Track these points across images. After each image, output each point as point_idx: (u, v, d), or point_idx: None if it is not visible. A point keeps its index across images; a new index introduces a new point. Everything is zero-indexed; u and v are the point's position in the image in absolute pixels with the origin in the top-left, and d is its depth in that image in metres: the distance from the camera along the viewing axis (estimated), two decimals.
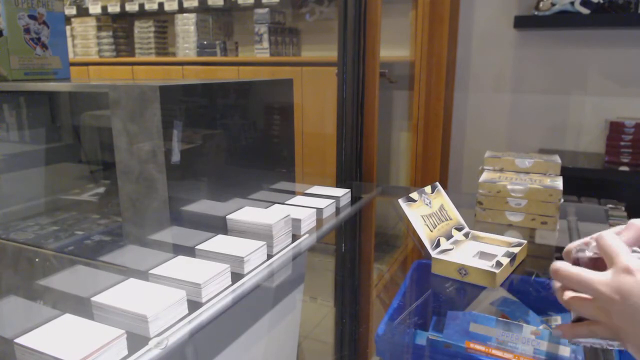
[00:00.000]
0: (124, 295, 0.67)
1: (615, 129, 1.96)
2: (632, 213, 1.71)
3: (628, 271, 0.46)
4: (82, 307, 0.65)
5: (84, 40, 3.30)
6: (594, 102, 2.16)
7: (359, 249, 1.25)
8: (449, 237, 0.97)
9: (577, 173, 1.84)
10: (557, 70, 2.19)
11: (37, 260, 0.90)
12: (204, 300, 0.71)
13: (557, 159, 1.22)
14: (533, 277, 0.92)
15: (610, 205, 1.76)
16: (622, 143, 1.95)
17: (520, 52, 2.25)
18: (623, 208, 1.75)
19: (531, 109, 2.27)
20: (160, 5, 3.02)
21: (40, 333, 0.58)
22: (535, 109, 2.26)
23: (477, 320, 0.74)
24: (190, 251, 0.83)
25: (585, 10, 1.93)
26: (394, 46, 2.46)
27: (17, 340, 0.56)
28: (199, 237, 0.87)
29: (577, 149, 2.21)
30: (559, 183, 1.11)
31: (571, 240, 1.05)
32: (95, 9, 3.22)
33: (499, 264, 0.86)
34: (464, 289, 0.86)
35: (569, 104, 2.20)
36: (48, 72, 1.19)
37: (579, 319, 0.52)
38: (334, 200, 1.17)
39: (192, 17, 2.97)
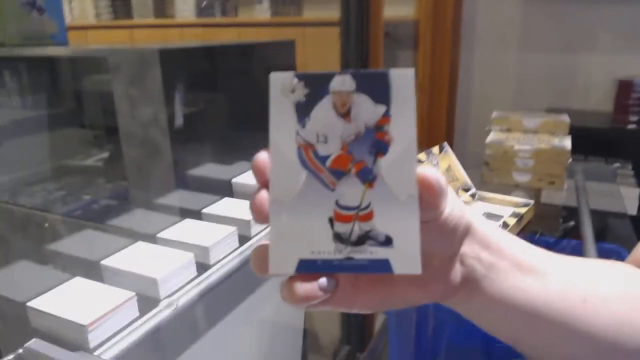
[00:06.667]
0: (133, 258, 0.67)
1: (624, 87, 1.93)
2: None
3: None
4: (92, 270, 0.66)
5: (80, 2, 3.22)
6: (603, 60, 2.11)
7: None
8: None
9: (584, 132, 1.82)
10: (566, 27, 2.13)
11: (45, 224, 0.91)
12: (212, 262, 0.71)
13: (566, 118, 1.20)
14: (537, 235, 0.93)
15: (618, 164, 1.75)
16: (631, 101, 1.92)
17: (528, 8, 2.19)
18: (630, 167, 1.74)
19: (539, 68, 2.23)
20: None
21: (52, 296, 0.59)
22: (543, 67, 2.22)
23: None
24: (196, 214, 0.83)
25: None
26: (397, 4, 2.39)
27: (29, 304, 0.57)
28: (205, 200, 0.87)
29: (586, 108, 2.17)
30: (567, 143, 1.10)
31: (578, 199, 1.05)
32: None
33: (505, 224, 0.86)
34: None
35: (577, 61, 2.16)
36: (45, 36, 1.17)
37: None
38: None
39: None
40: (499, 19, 2.26)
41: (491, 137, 1.17)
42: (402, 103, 0.26)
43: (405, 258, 0.26)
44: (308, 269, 0.27)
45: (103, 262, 0.66)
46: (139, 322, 0.58)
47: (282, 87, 0.26)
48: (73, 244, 0.85)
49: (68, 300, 0.58)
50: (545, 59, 2.21)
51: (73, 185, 1.07)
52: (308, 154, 0.26)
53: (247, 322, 0.76)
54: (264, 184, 0.27)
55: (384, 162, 0.26)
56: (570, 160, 1.08)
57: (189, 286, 0.66)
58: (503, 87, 2.32)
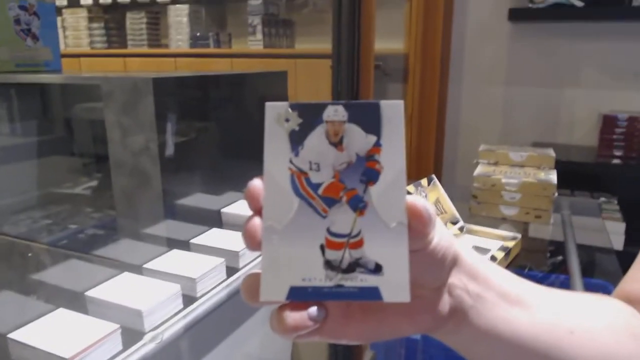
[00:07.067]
0: (118, 289, 0.66)
1: (608, 122, 1.97)
2: (625, 206, 1.73)
3: None
4: (76, 301, 0.65)
5: (75, 31, 3.26)
6: (588, 95, 2.16)
7: None
8: None
9: (570, 167, 1.85)
10: (552, 63, 2.19)
11: (30, 254, 0.90)
12: (198, 294, 0.71)
13: (551, 152, 1.22)
14: (526, 270, 0.93)
15: (603, 199, 1.78)
16: (615, 136, 1.96)
17: (515, 44, 2.25)
18: (616, 201, 1.76)
19: (525, 102, 2.28)
20: None
21: (34, 328, 0.58)
22: (530, 102, 2.27)
23: None
24: (184, 245, 0.83)
25: (579, 3, 1.93)
26: (388, 38, 2.45)
27: (10, 335, 0.56)
28: (193, 230, 0.87)
29: (571, 142, 2.21)
30: (553, 177, 1.12)
31: (565, 234, 1.06)
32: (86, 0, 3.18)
33: (493, 258, 0.86)
34: None
35: (562, 96, 2.21)
36: (39, 63, 1.18)
37: None
38: None
39: (184, 8, 2.94)
40: (486, 54, 2.31)
41: (478, 170, 1.19)
42: (392, 133, 0.27)
43: (394, 286, 0.26)
44: (298, 296, 0.27)
45: (87, 293, 0.65)
46: (122, 355, 0.57)
47: (277, 116, 0.27)
48: (57, 275, 0.83)
49: (50, 332, 0.57)
50: (532, 93, 2.26)
51: (60, 214, 1.06)
52: (301, 182, 0.27)
53: (232, 357, 0.75)
54: (257, 211, 0.27)
55: (374, 191, 0.27)
56: (557, 194, 1.10)
57: (174, 319, 0.65)
58: (490, 120, 2.36)
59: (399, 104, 0.27)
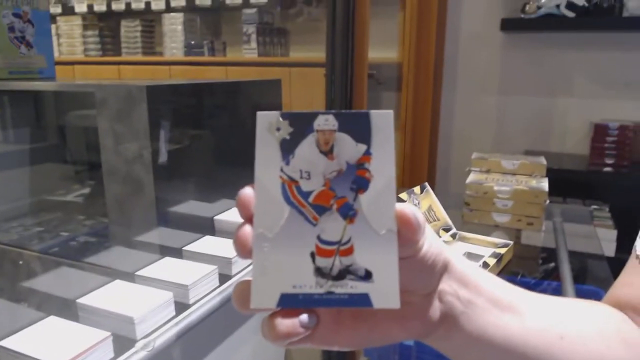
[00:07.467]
0: (110, 297, 0.66)
1: (600, 131, 1.99)
2: (616, 214, 1.74)
3: None
4: (67, 309, 0.64)
5: (69, 39, 3.26)
6: (579, 104, 2.19)
7: None
8: None
9: (562, 174, 1.86)
10: (543, 72, 2.21)
11: (21, 261, 0.89)
12: (191, 301, 0.70)
13: (543, 160, 1.23)
14: (519, 277, 0.93)
15: (595, 206, 1.79)
16: (607, 145, 1.98)
17: (507, 54, 2.27)
18: (607, 209, 1.77)
19: (518, 111, 2.29)
20: (147, 4, 2.99)
21: (25, 335, 0.57)
22: (522, 111, 2.29)
23: None
24: (177, 252, 0.82)
25: (570, 14, 1.95)
26: (381, 47, 2.47)
27: (1, 343, 0.55)
28: (186, 238, 0.86)
29: (563, 151, 2.23)
30: (544, 184, 1.13)
31: (556, 241, 1.07)
32: (81, 7, 3.18)
33: (485, 264, 0.87)
34: None
35: (554, 105, 2.23)
36: (33, 71, 1.18)
37: None
38: None
39: (179, 16, 2.95)
40: (479, 63, 2.33)
41: (471, 177, 1.19)
42: (382, 142, 0.27)
43: (384, 292, 0.27)
44: (289, 303, 0.27)
45: (79, 300, 0.65)
46: None
47: (268, 125, 0.27)
48: (49, 282, 0.83)
49: (41, 340, 0.57)
50: (524, 102, 2.28)
51: (51, 221, 1.06)
52: (292, 190, 0.27)
53: None
54: (248, 219, 0.27)
55: (364, 198, 0.27)
56: (548, 201, 1.10)
57: (166, 326, 0.65)
58: (483, 129, 2.37)
59: (389, 113, 0.27)
